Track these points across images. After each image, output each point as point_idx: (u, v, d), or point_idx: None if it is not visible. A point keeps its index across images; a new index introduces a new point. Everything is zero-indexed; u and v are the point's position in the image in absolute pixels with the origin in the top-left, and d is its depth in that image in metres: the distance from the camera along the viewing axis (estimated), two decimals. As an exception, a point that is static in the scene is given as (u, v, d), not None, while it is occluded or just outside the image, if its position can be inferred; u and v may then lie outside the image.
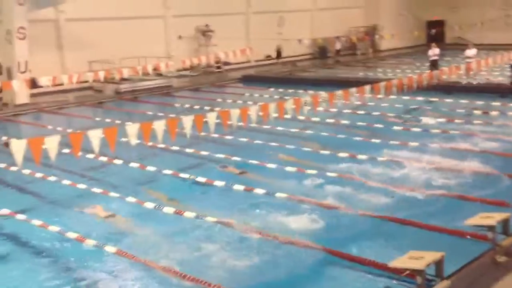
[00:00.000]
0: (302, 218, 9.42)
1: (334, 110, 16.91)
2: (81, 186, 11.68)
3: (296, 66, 32.95)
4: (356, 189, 10.77)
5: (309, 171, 11.94)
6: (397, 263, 6.77)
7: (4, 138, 15.83)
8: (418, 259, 6.64)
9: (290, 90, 23.35)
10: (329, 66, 33.71)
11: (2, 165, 13.28)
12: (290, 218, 9.44)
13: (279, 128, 16.27)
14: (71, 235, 9.09)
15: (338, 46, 36.40)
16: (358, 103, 18.12)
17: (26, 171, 12.23)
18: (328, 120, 17.42)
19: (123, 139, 9.46)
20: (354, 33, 38.72)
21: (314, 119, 17.14)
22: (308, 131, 16.28)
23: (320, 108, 13.43)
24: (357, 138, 15.03)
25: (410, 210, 9.54)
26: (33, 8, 22.31)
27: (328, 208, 9.83)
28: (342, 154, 13.21)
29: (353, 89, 13.46)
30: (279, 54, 32.49)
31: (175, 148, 14.30)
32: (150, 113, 19.83)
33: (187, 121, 9.86)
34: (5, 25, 21.70)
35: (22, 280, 7.91)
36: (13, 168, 12.05)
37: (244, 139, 15.21)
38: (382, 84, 14.49)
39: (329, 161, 12.81)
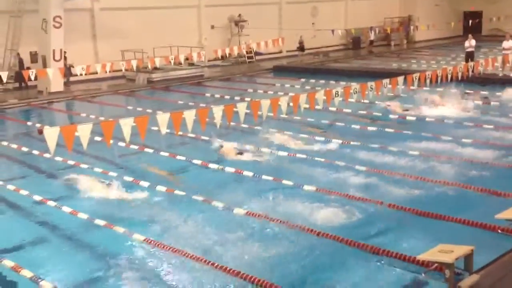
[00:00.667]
0: (329, 210, 9.36)
1: (366, 101, 16.72)
2: (112, 173, 11.85)
3: (329, 57, 32.66)
4: (385, 181, 10.64)
5: (338, 163, 11.84)
6: (426, 256, 6.67)
7: (38, 125, 16.16)
8: (447, 252, 6.54)
9: (322, 81, 23.17)
10: (362, 57, 33.29)
11: (36, 152, 13.57)
12: (317, 209, 9.39)
13: (309, 119, 16.16)
14: (100, 222, 9.25)
15: (371, 36, 35.93)
16: (391, 94, 17.85)
17: (59, 158, 12.50)
18: (360, 112, 17.23)
19: (154, 128, 9.53)
20: (389, 23, 38.13)
21: (345, 110, 16.98)
22: (339, 123, 16.12)
23: (352, 100, 13.29)
24: (389, 130, 14.82)
25: (440, 203, 9.38)
26: (69, -3, 22.68)
27: (356, 200, 9.73)
28: (373, 145, 13.05)
29: (386, 80, 13.25)
30: (301, 47, 32.10)
31: (204, 137, 14.36)
32: (181, 102, 19.96)
33: (218, 111, 9.88)
34: (42, 14, 22.09)
35: (58, 262, 8.11)
36: (46, 155, 12.32)
37: (274, 130, 15.16)
38: (416, 75, 14.23)
39: (359, 152, 12.67)
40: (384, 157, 12.26)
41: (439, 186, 10.29)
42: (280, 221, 8.87)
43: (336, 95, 12.15)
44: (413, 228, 8.70)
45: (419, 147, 12.75)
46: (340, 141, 13.77)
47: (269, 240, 8.40)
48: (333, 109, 15.89)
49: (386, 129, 14.89)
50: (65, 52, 22.73)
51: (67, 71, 22.75)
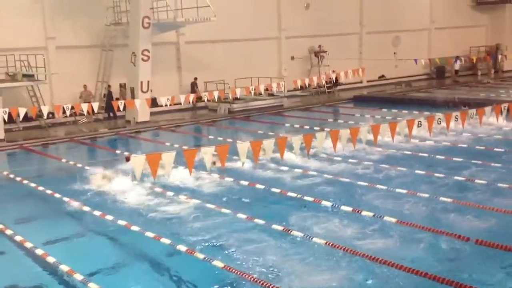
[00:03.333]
0: (416, 246, 9.04)
1: (452, 132, 16.17)
2: (195, 201, 12.12)
3: (411, 87, 31.98)
4: (471, 215, 10.16)
5: (421, 195, 11.45)
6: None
7: (126, 153, 16.87)
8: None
9: (404, 111, 22.68)
10: (447, 87, 32.32)
11: (122, 178, 14.16)
12: (400, 245, 9.10)
13: (390, 150, 15.82)
14: (181, 247, 9.44)
15: (457, 66, 34.83)
16: (478, 125, 17.17)
17: (147, 185, 12.99)
18: (444, 143, 16.66)
19: (234, 157, 9.70)
20: (475, 52, 36.89)
21: (428, 141, 16.48)
22: (421, 154, 15.64)
23: (436, 130, 12.90)
24: (476, 161, 14.19)
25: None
26: (157, 32, 23.78)
27: (443, 234, 9.34)
28: (458, 178, 12.53)
29: (472, 110, 12.78)
30: (337, 81, 29.96)
31: (283, 168, 14.41)
32: (261, 132, 20.19)
33: (296, 140, 9.92)
34: (131, 48, 23.30)
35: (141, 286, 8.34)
36: (134, 182, 12.85)
37: (353, 160, 14.96)
38: (505, 105, 13.61)
39: (443, 185, 12.21)
40: (469, 191, 11.73)
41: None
42: (369, 256, 8.66)
43: (419, 125, 11.86)
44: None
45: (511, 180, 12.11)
46: (423, 172, 13.35)
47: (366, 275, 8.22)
48: (415, 140, 15.49)
49: (472, 160, 14.27)
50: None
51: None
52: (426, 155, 15.44)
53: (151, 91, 23.42)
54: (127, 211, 11.93)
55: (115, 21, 24.39)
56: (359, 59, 32.89)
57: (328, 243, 9.21)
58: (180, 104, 21.79)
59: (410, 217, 10.35)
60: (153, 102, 22.59)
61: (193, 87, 26.82)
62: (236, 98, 24.79)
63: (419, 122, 11.87)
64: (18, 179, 14.90)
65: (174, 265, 8.99)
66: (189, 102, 20.74)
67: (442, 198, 11.19)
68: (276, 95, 27.28)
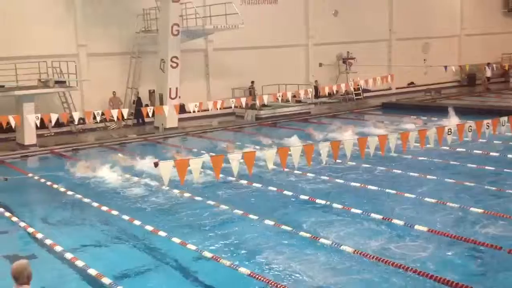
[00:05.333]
0: (444, 254, 8.88)
1: (483, 140, 15.87)
2: (223, 206, 12.14)
3: (441, 94, 31.55)
4: (503, 224, 9.93)
5: (451, 205, 11.25)
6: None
7: (155, 159, 17.02)
8: None
9: (434, 119, 22.36)
10: (478, 94, 31.78)
11: (154, 184, 14.28)
12: (430, 253, 8.95)
13: (420, 158, 15.60)
14: (208, 254, 9.46)
15: (488, 73, 34.22)
16: (510, 134, 16.83)
17: (175, 191, 13.08)
18: (475, 151, 16.35)
19: (261, 163, 9.69)
20: (507, 59, 36.20)
21: (459, 149, 16.20)
22: (452, 162, 15.39)
23: (467, 138, 12.66)
24: (508, 170, 13.89)
25: None
26: (186, 39, 24.00)
27: (474, 243, 9.16)
28: (489, 187, 12.27)
29: (504, 118, 12.50)
30: (316, 92, 28.76)
31: (310, 174, 14.35)
32: (288, 139, 20.12)
33: (324, 147, 9.86)
34: (160, 55, 23.56)
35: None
36: (164, 188, 12.94)
37: (382, 168, 14.80)
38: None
39: (474, 194, 11.98)
40: (502, 199, 11.47)
41: None
42: (398, 264, 8.54)
43: (449, 132, 11.66)
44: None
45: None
46: (453, 181, 13.13)
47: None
48: (446, 147, 15.24)
49: (505, 169, 13.97)
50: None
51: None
52: (457, 163, 15.19)
53: (179, 97, 23.61)
54: (154, 216, 12.02)
55: (145, 29, 24.71)
56: (388, 65, 32.61)
57: (356, 251, 9.12)
58: (208, 110, 21.88)
59: (440, 225, 10.19)
60: (181, 109, 22.80)
61: (250, 90, 27.42)
62: (264, 105, 24.80)
63: (449, 130, 11.67)
64: (49, 183, 15.17)
65: (200, 271, 9.00)
66: (217, 108, 20.73)
67: (472, 207, 10.97)
68: (303, 102, 27.21)
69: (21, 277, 5.43)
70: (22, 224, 11.72)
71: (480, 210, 10.81)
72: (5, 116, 16.87)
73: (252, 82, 27.73)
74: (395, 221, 10.48)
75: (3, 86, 20.09)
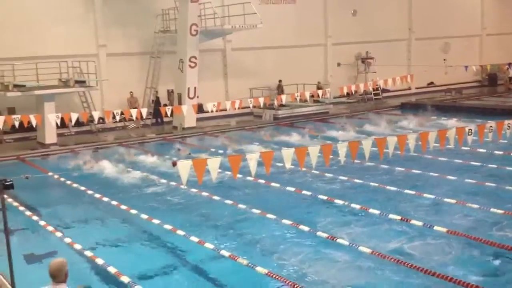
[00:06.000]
0: (463, 256, 8.78)
1: (504, 141, 15.64)
2: (241, 206, 12.16)
3: (461, 94, 31.19)
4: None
5: (471, 205, 11.12)
6: None
7: (174, 159, 17.10)
8: None
9: (454, 119, 22.12)
10: (499, 94, 31.36)
11: (173, 183, 14.35)
12: (449, 255, 8.85)
13: (440, 158, 15.44)
14: (225, 253, 9.47)
15: (510, 73, 33.75)
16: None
17: (194, 190, 13.12)
18: (496, 152, 16.13)
19: (279, 164, 9.68)
20: (529, 59, 35.67)
21: (480, 150, 16.00)
22: (473, 163, 15.20)
23: (487, 139, 12.49)
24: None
25: None
26: (204, 39, 24.08)
27: (494, 246, 9.03)
28: (510, 188, 12.10)
29: (525, 119, 12.30)
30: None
31: (328, 175, 14.29)
32: (306, 138, 20.09)
33: (342, 147, 9.80)
34: (179, 55, 23.66)
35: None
36: (182, 187, 13.00)
37: (401, 169, 14.68)
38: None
39: (494, 195, 11.81)
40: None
41: None
42: (427, 270, 8.46)
43: (470, 133, 11.50)
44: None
45: None
46: (473, 181, 12.97)
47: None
48: (466, 148, 15.05)
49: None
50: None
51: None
52: (477, 163, 15.00)
53: (197, 97, 23.70)
54: (172, 214, 12.09)
55: (164, 29, 24.85)
56: (407, 65, 32.34)
57: (374, 252, 9.06)
58: (226, 110, 21.93)
59: (460, 227, 10.07)
60: (200, 108, 22.87)
61: (279, 88, 27.56)
62: (282, 105, 24.77)
63: (470, 130, 11.52)
64: (68, 182, 15.34)
65: (217, 270, 9.02)
66: (235, 108, 20.75)
67: (492, 208, 10.83)
68: (321, 102, 27.12)
69: (60, 275, 5.48)
70: (42, 222, 11.87)
71: (500, 211, 10.67)
72: (26, 115, 17.10)
73: (280, 80, 27.76)
74: (414, 221, 10.40)
75: (24, 86, 20.36)
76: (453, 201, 11.57)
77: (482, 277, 8.08)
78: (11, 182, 6.68)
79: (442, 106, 26.71)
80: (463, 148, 14.70)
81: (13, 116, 17.47)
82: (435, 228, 9.95)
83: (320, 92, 22.93)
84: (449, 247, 9.23)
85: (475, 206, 11.12)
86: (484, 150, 16.08)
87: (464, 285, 7.70)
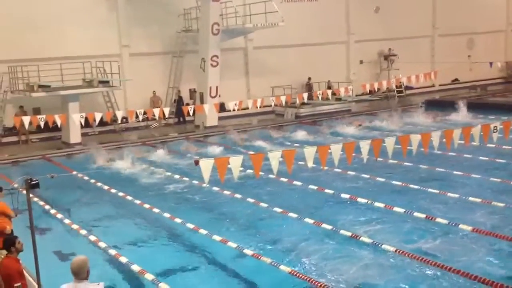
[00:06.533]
0: (489, 254, 8.65)
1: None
2: (263, 204, 12.16)
3: (486, 91, 30.70)
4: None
5: (496, 204, 10.94)
6: None
7: (196, 157, 17.18)
8: None
9: (480, 116, 21.77)
10: (525, 91, 30.83)
11: (195, 182, 14.41)
12: (475, 253, 8.73)
13: (465, 155, 15.23)
14: (248, 252, 9.49)
15: (536, 69, 33.19)
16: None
17: (215, 188, 13.17)
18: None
19: (301, 162, 9.65)
20: (557, 54, 34.99)
21: (505, 147, 15.73)
22: (499, 160, 14.95)
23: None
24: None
25: None
26: (226, 38, 24.12)
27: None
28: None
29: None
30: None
31: (351, 173, 14.21)
32: (328, 136, 20.00)
33: (364, 145, 9.72)
34: (200, 54, 23.76)
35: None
36: (204, 185, 13.04)
37: (425, 166, 14.51)
38: None
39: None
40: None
41: None
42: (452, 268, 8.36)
43: (495, 130, 11.31)
44: None
45: None
46: (498, 180, 12.75)
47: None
48: (492, 145, 14.82)
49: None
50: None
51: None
52: (502, 161, 14.76)
53: (219, 96, 23.76)
54: (195, 213, 12.15)
55: (186, 28, 24.96)
56: (431, 62, 31.95)
57: (398, 250, 8.98)
58: (248, 108, 21.95)
59: (485, 225, 9.92)
60: (222, 107, 22.92)
61: (308, 86, 27.81)
62: (303, 103, 24.68)
63: (495, 127, 11.32)
64: (92, 181, 15.52)
65: (241, 268, 9.04)
66: (256, 106, 20.74)
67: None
68: (344, 100, 26.95)
69: (82, 272, 5.59)
70: (67, 220, 12.03)
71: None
72: (51, 115, 17.35)
73: (309, 78, 27.79)
74: (439, 220, 10.28)
75: (49, 86, 20.65)
76: (478, 199, 11.40)
77: (508, 275, 7.94)
78: (37, 181, 6.79)
79: (468, 103, 26.26)
80: (488, 145, 14.53)
81: (38, 116, 17.76)
82: (460, 226, 9.82)
83: (342, 90, 22.78)
84: (474, 245, 9.09)
85: (501, 204, 10.93)
86: (510, 147, 15.81)
87: (489, 283, 7.58)
